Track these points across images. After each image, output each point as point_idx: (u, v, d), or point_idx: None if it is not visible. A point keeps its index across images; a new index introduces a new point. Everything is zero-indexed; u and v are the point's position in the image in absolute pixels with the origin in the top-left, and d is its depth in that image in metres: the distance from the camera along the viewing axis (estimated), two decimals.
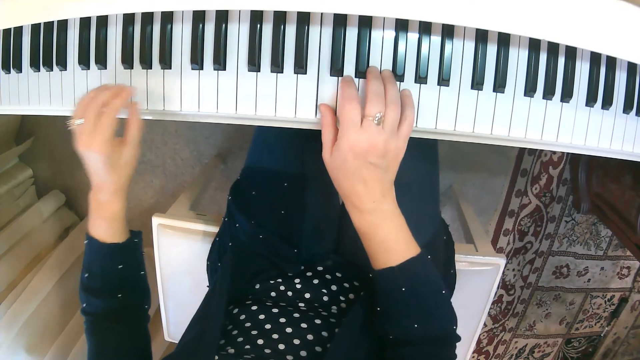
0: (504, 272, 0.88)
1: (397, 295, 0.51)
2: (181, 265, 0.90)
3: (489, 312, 1.09)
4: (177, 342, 0.64)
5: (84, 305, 0.62)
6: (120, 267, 0.62)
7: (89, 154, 0.54)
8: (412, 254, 0.52)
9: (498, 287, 1.19)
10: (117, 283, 0.62)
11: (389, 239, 0.51)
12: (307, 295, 0.64)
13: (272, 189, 0.73)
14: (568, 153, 1.44)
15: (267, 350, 0.53)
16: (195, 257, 0.88)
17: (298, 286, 0.65)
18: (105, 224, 0.60)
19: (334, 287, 0.65)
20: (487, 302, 0.88)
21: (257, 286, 0.66)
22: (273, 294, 0.64)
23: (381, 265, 0.52)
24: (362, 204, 0.50)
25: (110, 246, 0.61)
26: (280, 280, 0.66)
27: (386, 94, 0.48)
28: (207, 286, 0.78)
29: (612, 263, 1.71)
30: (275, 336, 0.55)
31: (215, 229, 0.87)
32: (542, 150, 1.47)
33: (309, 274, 0.68)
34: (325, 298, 0.64)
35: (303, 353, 0.53)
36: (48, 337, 1.23)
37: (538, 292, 1.75)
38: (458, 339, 0.54)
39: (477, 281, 0.87)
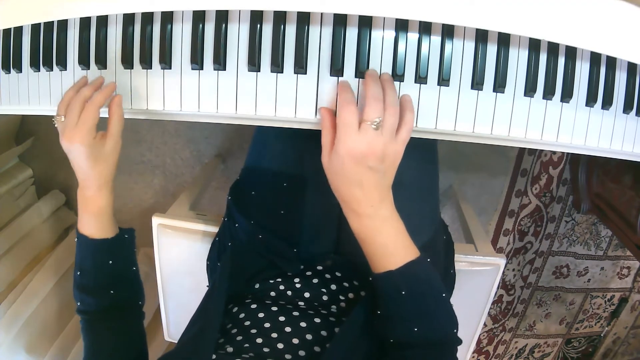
0: (504, 272, 0.88)
1: (397, 299, 0.51)
2: (181, 265, 0.90)
3: (489, 312, 1.09)
4: (177, 342, 0.64)
5: (79, 304, 0.63)
6: (110, 262, 0.63)
7: (72, 147, 0.55)
8: (412, 257, 0.52)
9: (498, 287, 1.19)
10: (108, 279, 0.63)
11: (388, 243, 0.51)
12: (307, 295, 0.64)
13: (272, 189, 0.73)
14: (568, 153, 1.44)
15: (266, 349, 0.53)
16: (195, 257, 0.88)
17: (297, 285, 0.65)
18: (93, 220, 0.61)
19: (333, 287, 0.65)
20: (487, 302, 0.88)
21: (257, 286, 0.66)
22: (273, 293, 0.64)
23: (380, 269, 0.52)
24: (360, 209, 0.50)
25: (100, 242, 0.62)
26: (279, 279, 0.66)
27: (385, 97, 0.48)
28: (207, 286, 0.78)
29: (612, 263, 1.71)
30: (274, 335, 0.55)
31: (215, 229, 0.87)
32: (542, 150, 1.47)
33: (308, 273, 0.68)
34: (325, 297, 0.64)
35: (301, 352, 0.53)
36: (48, 337, 1.23)
37: (538, 292, 1.75)
38: (459, 342, 0.54)
39: (477, 281, 0.87)
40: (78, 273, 0.62)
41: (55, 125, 0.57)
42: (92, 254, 0.62)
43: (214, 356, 0.50)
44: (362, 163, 0.47)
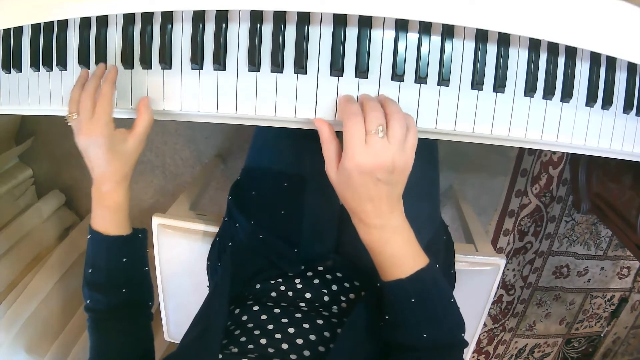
0: (504, 272, 0.88)
1: (406, 306, 0.51)
2: (181, 265, 0.90)
3: (489, 312, 1.09)
4: (177, 342, 0.64)
5: (88, 301, 0.62)
6: (124, 260, 0.62)
7: (91, 141, 0.54)
8: (421, 265, 0.51)
9: (498, 287, 1.20)
10: (121, 277, 0.62)
11: (397, 253, 0.51)
12: (308, 295, 0.64)
13: (272, 189, 0.73)
14: (568, 153, 1.44)
15: (271, 350, 0.53)
16: (195, 257, 0.88)
17: (299, 286, 0.65)
18: (108, 216, 0.60)
19: (334, 287, 0.65)
20: (487, 302, 0.88)
21: (258, 286, 0.66)
22: (273, 294, 0.64)
23: (389, 277, 0.51)
24: (368, 220, 0.50)
25: (115, 238, 0.60)
26: (280, 280, 0.66)
27: (387, 108, 0.47)
28: (207, 286, 0.78)
29: (612, 263, 1.72)
30: (278, 336, 0.55)
31: (215, 229, 0.87)
32: (542, 150, 1.47)
33: (309, 273, 0.68)
34: (326, 298, 0.64)
35: (306, 353, 0.53)
36: (48, 337, 1.23)
37: (538, 292, 1.75)
38: (465, 344, 0.54)
39: (477, 281, 0.87)
40: (90, 270, 0.61)
41: (69, 124, 0.56)
42: (107, 250, 0.61)
43: (220, 356, 0.50)
44: (371, 175, 0.46)
